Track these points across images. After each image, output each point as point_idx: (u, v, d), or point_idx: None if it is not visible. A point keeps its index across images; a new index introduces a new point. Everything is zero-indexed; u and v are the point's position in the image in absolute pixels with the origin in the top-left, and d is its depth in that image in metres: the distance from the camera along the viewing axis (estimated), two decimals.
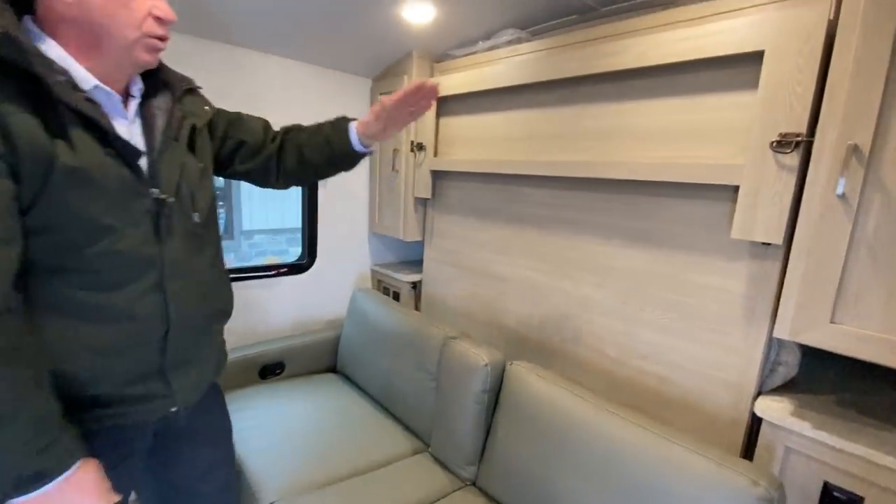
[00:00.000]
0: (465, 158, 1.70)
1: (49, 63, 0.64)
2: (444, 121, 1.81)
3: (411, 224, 1.96)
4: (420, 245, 2.06)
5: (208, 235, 0.87)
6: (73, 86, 0.67)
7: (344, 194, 2.10)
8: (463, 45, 1.75)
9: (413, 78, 1.81)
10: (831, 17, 0.87)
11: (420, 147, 1.84)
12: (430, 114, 1.79)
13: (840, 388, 1.12)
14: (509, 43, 1.58)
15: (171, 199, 0.77)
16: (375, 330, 1.75)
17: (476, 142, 1.69)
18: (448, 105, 1.77)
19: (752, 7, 1.00)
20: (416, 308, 2.10)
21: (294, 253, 6.30)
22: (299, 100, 1.88)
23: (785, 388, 1.09)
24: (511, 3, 1.45)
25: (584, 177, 1.32)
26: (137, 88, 0.78)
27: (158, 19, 0.71)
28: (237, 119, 0.99)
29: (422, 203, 1.98)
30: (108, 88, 0.71)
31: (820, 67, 0.89)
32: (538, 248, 1.53)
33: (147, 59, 0.74)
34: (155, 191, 0.75)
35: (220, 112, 0.96)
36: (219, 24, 1.56)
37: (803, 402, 1.02)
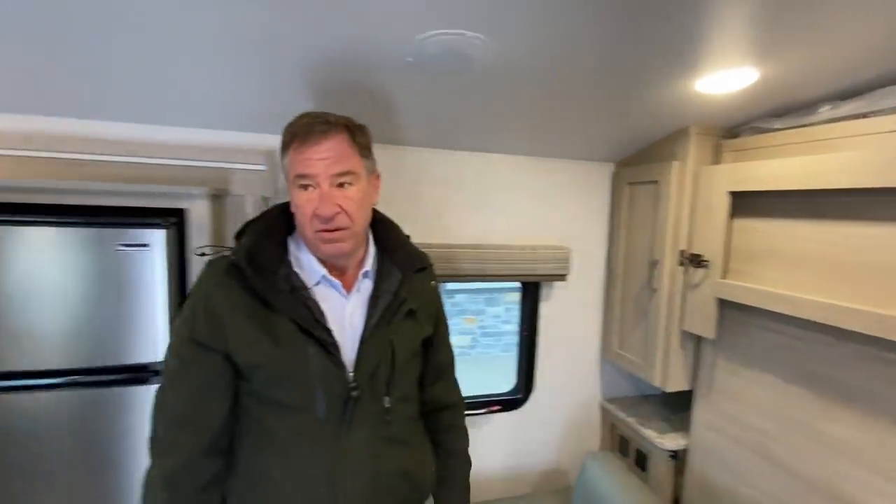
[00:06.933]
0: (791, 293, 1.03)
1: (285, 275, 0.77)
2: (740, 224, 1.20)
3: (674, 366, 1.36)
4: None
5: (399, 420, 0.83)
6: (292, 288, 0.76)
7: (573, 306, 1.64)
8: (780, 113, 1.14)
9: (689, 163, 1.28)
10: None
11: (697, 261, 1.27)
12: (716, 208, 1.22)
13: None
14: None
15: (360, 389, 0.76)
16: None
17: (809, 264, 1.03)
18: (750, 202, 1.17)
19: None
20: (676, 494, 1.44)
21: (491, 313, 6.10)
22: (525, 195, 1.54)
23: None
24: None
25: None
26: (368, 270, 0.83)
27: (320, 216, 0.74)
28: (438, 333, 0.96)
29: (693, 340, 1.37)
30: (332, 279, 0.79)
31: None
32: None
33: (327, 251, 0.77)
34: (350, 375, 0.76)
35: (439, 314, 0.97)
36: (448, 134, 1.34)
37: None
